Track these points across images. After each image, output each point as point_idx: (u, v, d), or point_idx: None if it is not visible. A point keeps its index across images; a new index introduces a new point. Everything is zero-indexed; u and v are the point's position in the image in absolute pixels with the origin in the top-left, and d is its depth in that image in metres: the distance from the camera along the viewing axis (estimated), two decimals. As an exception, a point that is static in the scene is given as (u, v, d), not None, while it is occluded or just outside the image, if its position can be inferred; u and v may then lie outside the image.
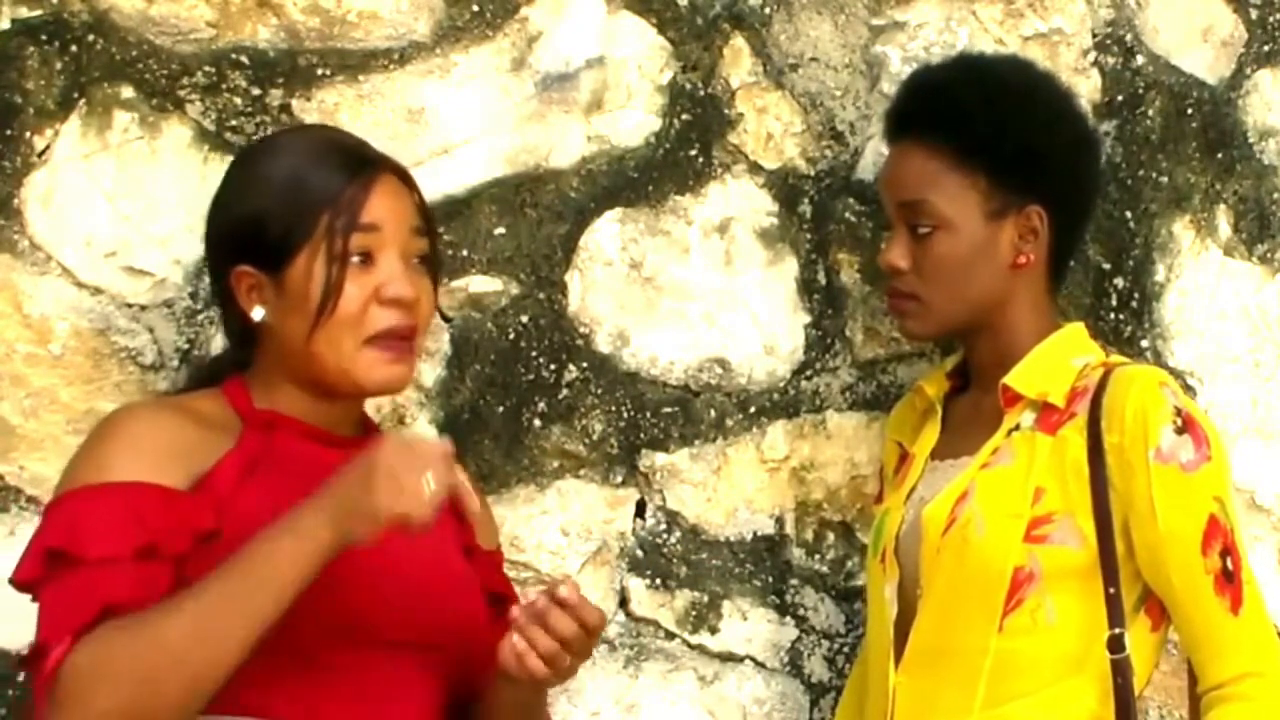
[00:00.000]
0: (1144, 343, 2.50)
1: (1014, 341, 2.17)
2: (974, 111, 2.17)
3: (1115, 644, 2.04)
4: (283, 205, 1.92)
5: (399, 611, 1.88)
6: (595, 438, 2.33)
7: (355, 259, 1.91)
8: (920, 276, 2.16)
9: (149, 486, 1.82)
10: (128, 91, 2.19)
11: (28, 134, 2.16)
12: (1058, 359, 2.16)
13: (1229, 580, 2.03)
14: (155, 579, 1.79)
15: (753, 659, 2.38)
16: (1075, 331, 2.22)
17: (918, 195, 2.16)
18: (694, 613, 2.36)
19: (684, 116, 2.39)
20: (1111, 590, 2.04)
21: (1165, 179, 2.53)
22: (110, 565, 1.77)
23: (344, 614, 1.83)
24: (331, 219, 1.91)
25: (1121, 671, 2.03)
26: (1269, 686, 2.01)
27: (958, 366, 2.29)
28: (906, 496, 2.19)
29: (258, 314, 1.93)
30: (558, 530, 2.31)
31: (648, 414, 2.36)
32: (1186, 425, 2.05)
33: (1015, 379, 2.14)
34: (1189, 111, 2.54)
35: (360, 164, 1.96)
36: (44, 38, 2.17)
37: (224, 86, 2.22)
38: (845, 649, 2.41)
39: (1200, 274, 2.53)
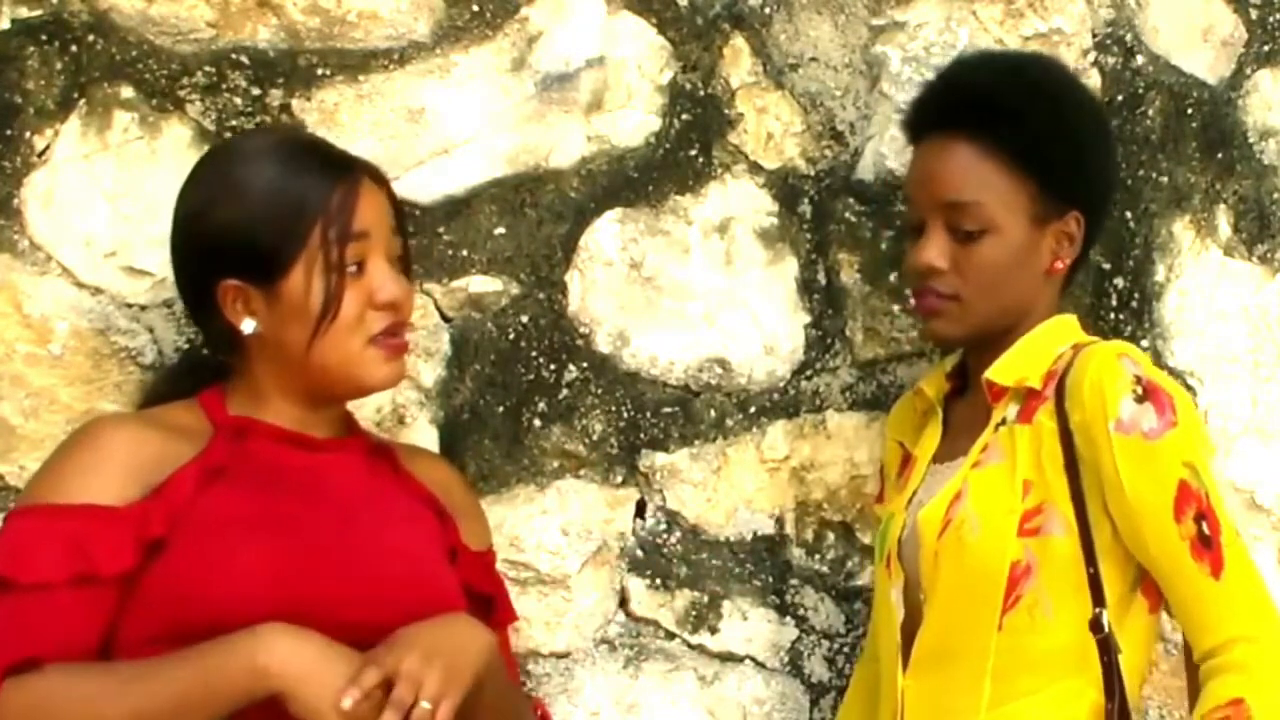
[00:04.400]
0: (1144, 343, 2.50)
1: (1013, 341, 2.17)
2: (1031, 116, 2.13)
3: (1095, 624, 2.02)
4: (270, 216, 1.92)
5: (370, 616, 1.87)
6: (595, 438, 2.33)
7: (351, 268, 1.93)
8: (961, 278, 2.13)
9: (94, 509, 1.84)
10: (128, 91, 2.19)
11: (28, 134, 2.16)
12: (1041, 348, 2.14)
13: (1206, 545, 1.99)
14: (91, 605, 1.83)
15: (753, 659, 2.38)
16: (1062, 322, 2.19)
17: (971, 197, 2.12)
18: (694, 613, 2.36)
19: (684, 116, 2.39)
20: (1091, 570, 2.03)
21: (1165, 179, 2.53)
22: (43, 592, 1.81)
23: (307, 620, 1.82)
24: (324, 229, 1.93)
25: (1106, 650, 2.01)
26: (1262, 652, 1.97)
27: (957, 367, 2.28)
28: (908, 500, 2.18)
29: (249, 326, 1.94)
30: (558, 530, 2.31)
31: (648, 414, 2.36)
32: (1148, 393, 2.01)
33: (995, 371, 2.13)
34: (1189, 111, 2.54)
35: (340, 168, 1.97)
36: (44, 38, 2.17)
37: (224, 86, 2.22)
38: (845, 649, 2.41)
39: (1200, 274, 2.53)
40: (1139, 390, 2.01)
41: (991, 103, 2.14)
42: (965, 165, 2.13)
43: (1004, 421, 2.12)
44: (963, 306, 2.14)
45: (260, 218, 1.92)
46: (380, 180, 2.02)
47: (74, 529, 1.83)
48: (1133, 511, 2.01)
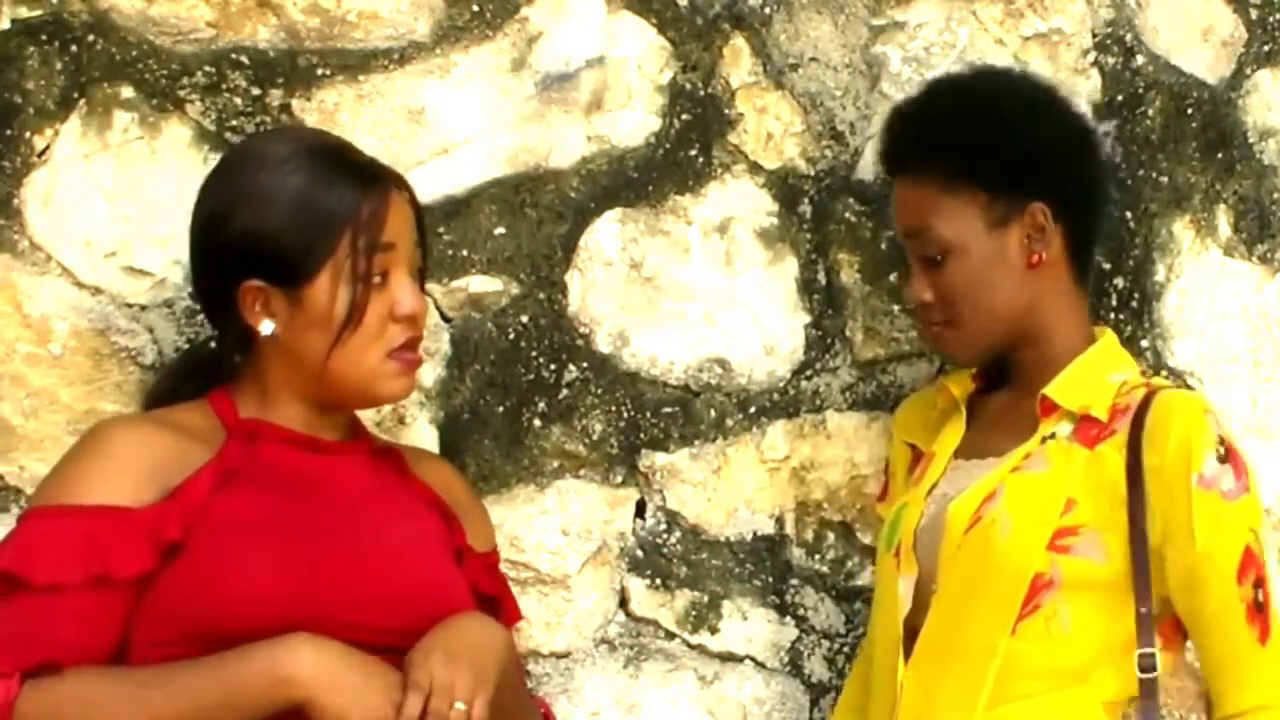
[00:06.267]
0: (1144, 343, 2.50)
1: (1052, 345, 2.18)
2: (954, 131, 2.17)
3: (1146, 663, 2.04)
4: (301, 222, 1.92)
5: (379, 618, 1.88)
6: (595, 438, 2.33)
7: (375, 278, 1.93)
8: (946, 303, 2.17)
9: (109, 509, 1.83)
10: (128, 91, 2.19)
11: (28, 134, 2.16)
12: (1097, 372, 2.17)
13: (1260, 611, 2.04)
14: (106, 608, 1.82)
15: (753, 659, 2.38)
16: (1110, 342, 2.23)
17: (919, 223, 2.17)
18: (694, 613, 2.36)
19: (684, 116, 2.39)
20: (1144, 609, 2.05)
21: (1165, 179, 2.53)
22: (57, 593, 1.80)
23: (318, 623, 1.83)
24: (354, 238, 1.93)
25: (1150, 692, 2.04)
26: None
27: (983, 368, 2.28)
28: (927, 493, 2.18)
29: (267, 328, 1.94)
30: (558, 530, 2.31)
31: (648, 414, 2.35)
32: (1229, 455, 2.06)
33: (1056, 391, 2.14)
34: (1189, 111, 2.54)
35: (371, 178, 1.97)
36: (44, 38, 2.17)
37: (224, 86, 2.21)
38: (845, 649, 2.41)
39: (1200, 274, 2.53)
40: (1221, 450, 2.06)
41: (915, 136, 2.21)
42: (911, 197, 2.20)
43: (1053, 435, 2.13)
44: (958, 329, 2.18)
45: (290, 223, 1.92)
46: (407, 191, 2.02)
47: (89, 530, 1.82)
48: (1199, 565, 2.04)
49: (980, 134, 2.17)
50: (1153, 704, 2.03)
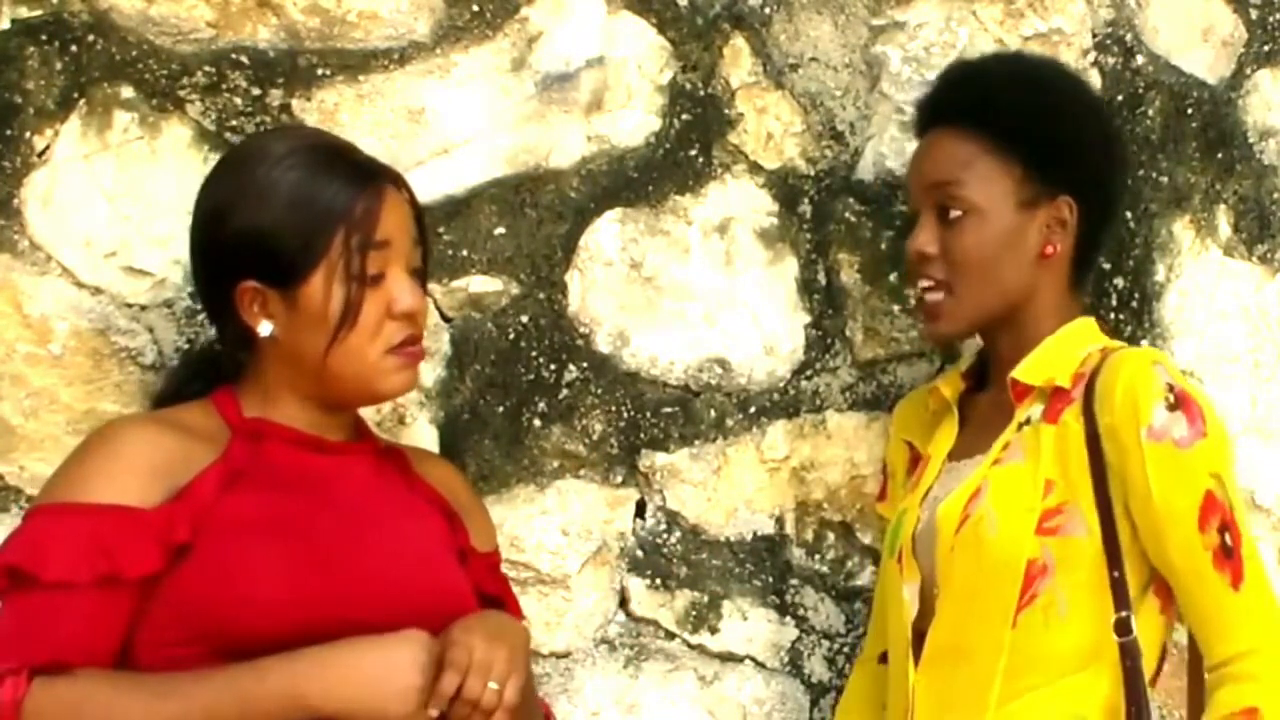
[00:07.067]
0: (1144, 343, 2.50)
1: (1035, 338, 2.17)
2: (1013, 100, 2.17)
3: (1122, 627, 2.02)
4: (294, 221, 1.91)
5: (385, 619, 1.87)
6: (595, 438, 2.33)
7: (371, 277, 1.93)
8: (948, 264, 2.15)
9: (118, 509, 1.83)
10: (128, 91, 2.19)
11: (28, 134, 2.16)
12: (1065, 349, 2.15)
13: (1228, 556, 2.00)
14: (114, 608, 1.82)
15: (753, 659, 2.38)
16: (1085, 324, 2.21)
17: (950, 176, 2.15)
18: (694, 613, 2.36)
19: (684, 116, 2.39)
20: (1116, 574, 2.03)
21: (1165, 179, 2.53)
22: (67, 592, 1.80)
23: (326, 623, 1.83)
24: (347, 236, 1.92)
25: (1130, 654, 2.02)
26: (1271, 662, 1.99)
27: (972, 367, 2.28)
28: (923, 497, 2.18)
29: (265, 329, 1.94)
30: (558, 530, 2.31)
31: (648, 414, 2.36)
32: (1180, 402, 2.02)
33: (1022, 371, 2.14)
34: (1189, 111, 2.55)
35: (366, 176, 1.96)
36: (44, 38, 2.17)
37: (224, 86, 2.22)
38: (845, 649, 2.41)
39: (1200, 274, 2.54)
40: (1171, 398, 2.02)
41: (977, 91, 2.19)
42: (949, 149, 2.17)
43: (1028, 421, 2.12)
44: (956, 298, 2.15)
45: (283, 222, 1.91)
46: (405, 189, 2.01)
47: (97, 529, 1.82)
48: (1159, 518, 2.02)
49: (1043, 111, 2.16)
50: (1135, 666, 2.01)
